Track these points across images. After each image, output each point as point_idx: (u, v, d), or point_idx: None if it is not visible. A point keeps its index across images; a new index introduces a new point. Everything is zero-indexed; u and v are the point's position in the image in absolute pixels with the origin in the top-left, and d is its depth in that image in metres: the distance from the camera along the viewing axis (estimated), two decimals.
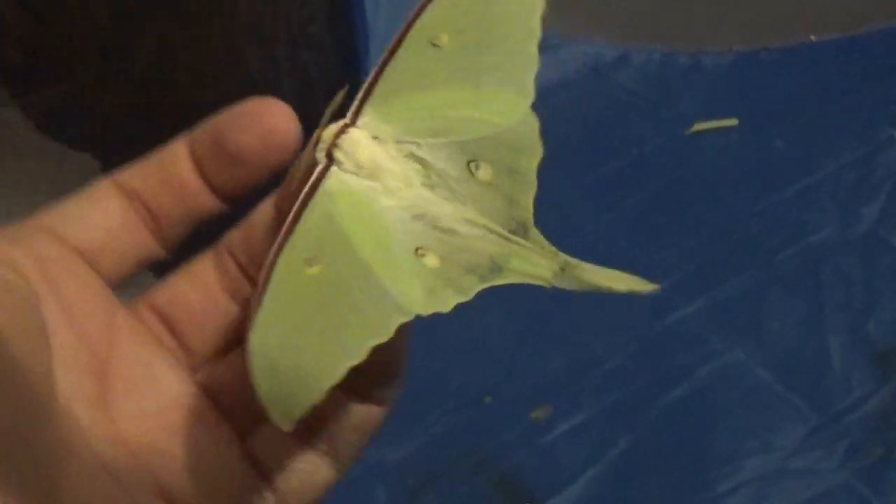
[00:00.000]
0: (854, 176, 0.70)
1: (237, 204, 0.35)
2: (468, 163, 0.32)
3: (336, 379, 0.28)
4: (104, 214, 0.34)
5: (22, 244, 0.32)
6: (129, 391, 0.32)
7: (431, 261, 0.31)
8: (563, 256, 0.32)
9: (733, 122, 0.70)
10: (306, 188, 0.31)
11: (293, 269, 0.29)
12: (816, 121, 0.71)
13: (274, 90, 0.73)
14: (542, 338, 0.66)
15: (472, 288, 0.31)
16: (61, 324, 0.31)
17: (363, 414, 0.32)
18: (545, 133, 0.33)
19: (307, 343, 0.29)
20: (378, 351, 0.30)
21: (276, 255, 0.29)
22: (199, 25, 0.77)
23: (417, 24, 0.32)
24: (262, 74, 0.73)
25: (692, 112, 0.71)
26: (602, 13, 0.73)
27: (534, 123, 0.32)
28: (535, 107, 0.32)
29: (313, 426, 0.31)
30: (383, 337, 0.29)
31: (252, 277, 0.32)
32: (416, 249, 0.31)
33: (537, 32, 0.33)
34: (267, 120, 0.32)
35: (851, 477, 0.61)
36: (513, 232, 0.31)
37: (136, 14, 0.80)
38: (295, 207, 0.30)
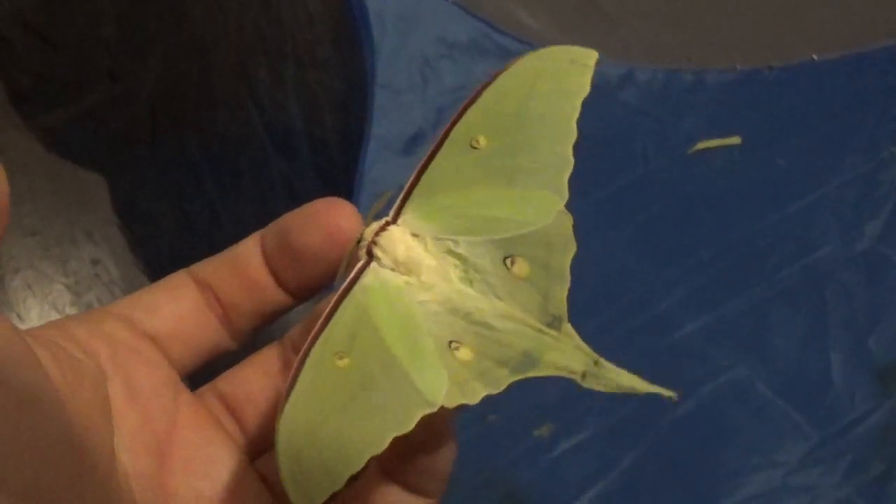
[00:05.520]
0: (857, 193, 0.70)
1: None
2: (504, 258, 0.32)
3: (357, 468, 0.29)
4: (177, 303, 0.35)
5: (95, 328, 0.33)
6: (187, 472, 0.33)
7: (464, 354, 0.31)
8: (594, 354, 0.33)
9: (736, 140, 0.70)
10: (345, 284, 0.31)
11: (324, 360, 0.30)
12: (819, 138, 0.71)
13: (281, 110, 0.74)
14: None
15: (504, 380, 0.31)
16: (125, 404, 0.32)
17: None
18: None
19: (332, 432, 0.29)
20: (425, 442, 0.31)
21: (310, 346, 0.30)
22: (206, 46, 0.78)
23: (457, 127, 0.33)
24: (268, 95, 0.74)
25: (696, 130, 0.71)
26: (607, 32, 0.73)
27: (567, 221, 0.33)
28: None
29: None
30: (405, 429, 0.29)
31: None
32: (450, 343, 0.31)
33: (573, 135, 0.33)
34: (331, 220, 0.33)
35: (853, 493, 0.61)
36: (548, 325, 0.32)
37: (142, 35, 0.80)
38: (332, 302, 0.31)
